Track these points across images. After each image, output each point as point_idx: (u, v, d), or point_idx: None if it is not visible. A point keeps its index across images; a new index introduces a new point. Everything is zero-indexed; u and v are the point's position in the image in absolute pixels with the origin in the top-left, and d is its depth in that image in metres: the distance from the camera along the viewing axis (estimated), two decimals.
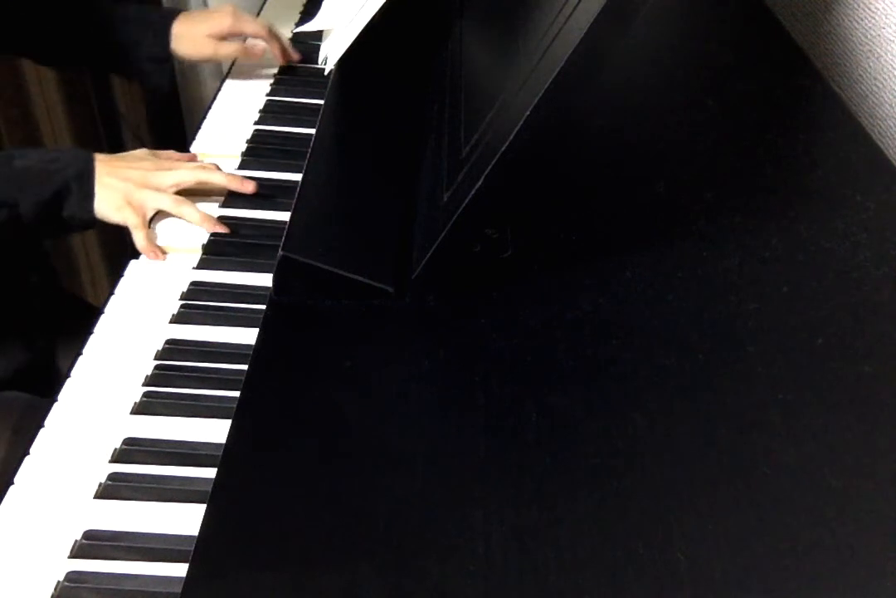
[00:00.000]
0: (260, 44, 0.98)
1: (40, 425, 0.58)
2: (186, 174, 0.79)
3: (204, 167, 0.81)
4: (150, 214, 0.77)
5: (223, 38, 0.94)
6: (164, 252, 0.75)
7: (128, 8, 0.96)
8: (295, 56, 1.01)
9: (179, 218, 0.78)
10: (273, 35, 0.98)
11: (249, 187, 0.80)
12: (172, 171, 0.79)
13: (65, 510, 0.53)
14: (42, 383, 0.83)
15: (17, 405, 0.80)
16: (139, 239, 0.75)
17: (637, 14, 0.47)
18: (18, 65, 1.29)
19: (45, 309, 0.95)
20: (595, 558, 0.40)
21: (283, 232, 0.57)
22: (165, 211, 0.78)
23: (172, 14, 0.95)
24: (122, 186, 0.76)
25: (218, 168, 0.82)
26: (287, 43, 1.01)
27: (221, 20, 0.94)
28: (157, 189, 0.78)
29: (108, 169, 0.77)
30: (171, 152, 0.84)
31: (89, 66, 1.14)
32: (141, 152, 0.82)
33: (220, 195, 0.81)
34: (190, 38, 0.94)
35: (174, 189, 0.78)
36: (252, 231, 0.77)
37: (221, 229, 0.77)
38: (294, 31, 1.00)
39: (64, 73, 1.30)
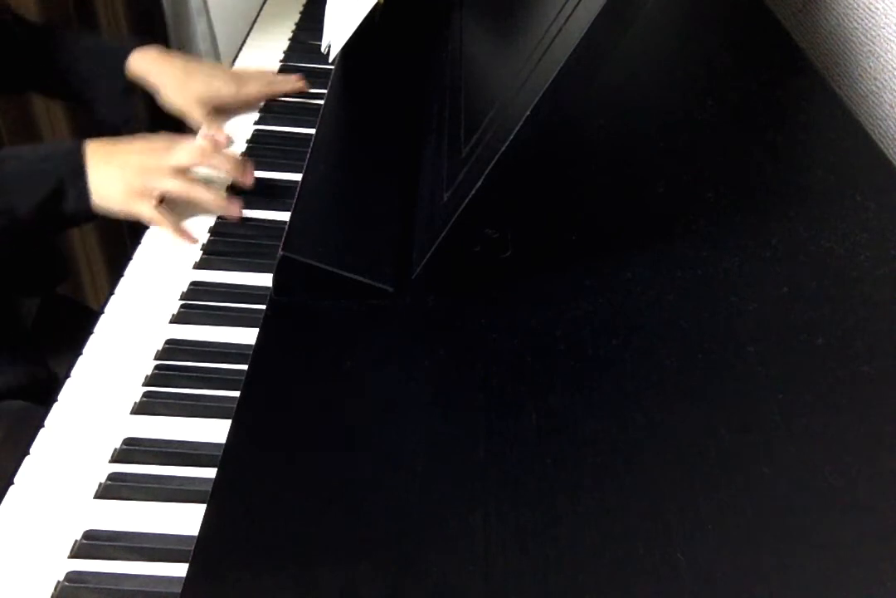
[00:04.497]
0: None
1: (40, 425, 0.59)
2: (188, 154, 0.74)
3: (205, 147, 0.75)
4: (155, 200, 0.73)
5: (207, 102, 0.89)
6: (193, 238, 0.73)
7: (88, 40, 0.94)
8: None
9: (189, 201, 0.73)
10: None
11: (249, 180, 0.77)
12: (173, 150, 0.74)
13: (65, 510, 0.53)
14: (40, 394, 0.82)
15: (12, 413, 0.80)
16: (167, 232, 0.73)
17: (637, 14, 0.47)
18: None
19: (41, 326, 0.94)
20: (595, 558, 0.40)
21: (283, 232, 0.57)
22: (174, 194, 0.73)
23: (130, 46, 0.90)
24: (118, 175, 0.72)
25: (224, 143, 0.79)
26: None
27: (221, 90, 0.89)
28: (159, 170, 0.73)
29: (102, 158, 0.73)
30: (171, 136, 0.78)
31: (50, 96, 1.10)
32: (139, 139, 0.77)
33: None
34: (183, 94, 0.88)
35: (177, 170, 0.73)
36: (252, 231, 0.77)
37: (236, 212, 0.74)
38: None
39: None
